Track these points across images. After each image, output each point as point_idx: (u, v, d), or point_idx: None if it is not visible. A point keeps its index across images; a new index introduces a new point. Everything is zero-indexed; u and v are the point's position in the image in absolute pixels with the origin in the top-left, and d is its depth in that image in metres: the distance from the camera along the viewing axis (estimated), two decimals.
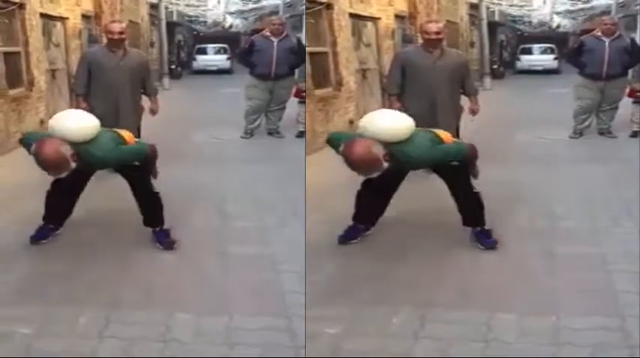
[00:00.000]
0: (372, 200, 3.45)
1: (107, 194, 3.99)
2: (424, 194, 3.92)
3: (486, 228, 3.37)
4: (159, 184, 3.61)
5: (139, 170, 3.29)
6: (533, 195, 3.63)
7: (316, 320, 2.58)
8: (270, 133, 6.72)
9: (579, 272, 3.04)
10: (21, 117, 6.61)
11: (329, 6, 6.73)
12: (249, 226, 3.75)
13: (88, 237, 3.57)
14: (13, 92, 6.50)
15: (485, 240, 3.34)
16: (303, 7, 6.17)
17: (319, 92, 6.51)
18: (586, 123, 6.41)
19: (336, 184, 4.60)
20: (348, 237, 3.47)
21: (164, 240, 3.37)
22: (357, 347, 2.45)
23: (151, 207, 3.39)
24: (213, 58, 18.14)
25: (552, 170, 5.04)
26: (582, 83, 6.29)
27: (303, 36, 6.52)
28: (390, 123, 3.04)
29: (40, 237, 3.45)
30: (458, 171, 3.23)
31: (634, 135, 6.29)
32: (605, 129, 6.41)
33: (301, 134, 6.52)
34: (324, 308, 2.70)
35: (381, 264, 3.20)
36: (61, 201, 3.46)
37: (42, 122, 7.15)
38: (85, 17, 9.17)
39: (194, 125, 7.02)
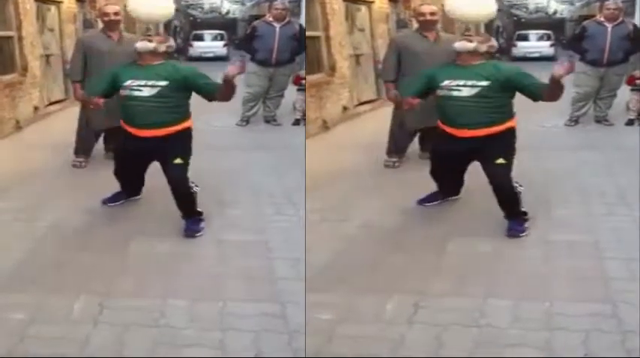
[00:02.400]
0: (449, 174, 3.71)
1: (103, 183, 3.98)
2: (421, 182, 3.92)
3: (524, 217, 3.41)
4: (152, 170, 3.61)
5: (181, 166, 3.38)
6: (527, 182, 3.64)
7: (309, 306, 2.59)
8: (267, 121, 6.67)
9: (572, 260, 3.05)
10: (14, 104, 6.55)
11: None
12: (245, 214, 3.75)
13: (83, 224, 3.57)
14: (5, 78, 6.45)
15: (511, 227, 3.35)
16: None
17: (312, 78, 6.40)
18: (583, 111, 6.38)
19: (329, 171, 4.61)
20: (427, 200, 3.80)
21: (187, 228, 3.40)
22: (351, 332, 2.46)
23: (185, 203, 3.44)
24: (209, 44, 18.00)
25: (547, 157, 5.04)
26: (582, 70, 6.18)
27: (302, 22, 6.44)
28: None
29: (112, 200, 3.81)
30: (504, 168, 3.33)
31: (630, 123, 6.27)
32: (601, 117, 6.39)
33: (297, 122, 6.49)
34: (318, 294, 2.71)
35: (377, 251, 3.21)
36: (129, 176, 3.73)
37: (36, 109, 7.11)
38: (80, 1, 9.08)
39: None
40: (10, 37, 6.79)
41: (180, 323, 2.51)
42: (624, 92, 6.48)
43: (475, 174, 3.55)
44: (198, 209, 3.47)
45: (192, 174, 3.45)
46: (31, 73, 7.09)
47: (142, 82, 3.33)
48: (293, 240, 3.22)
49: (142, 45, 3.37)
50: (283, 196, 4.01)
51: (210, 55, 17.12)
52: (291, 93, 6.71)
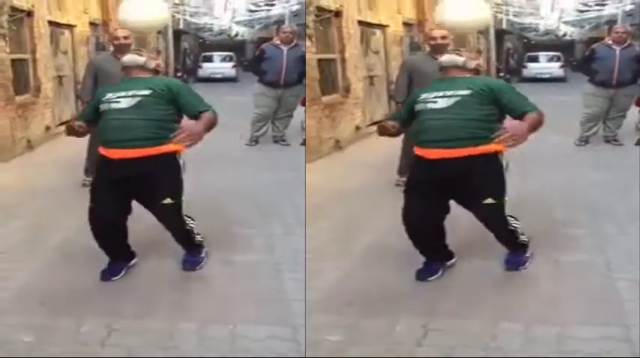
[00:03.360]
0: (425, 223, 2.99)
1: None
2: None
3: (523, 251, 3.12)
4: None
5: (173, 208, 2.96)
6: (537, 201, 3.62)
7: (318, 328, 2.57)
8: (275, 141, 6.76)
9: (583, 281, 3.01)
10: (27, 124, 6.64)
11: (338, 14, 6.82)
12: (254, 234, 3.75)
13: (92, 245, 3.57)
14: (19, 98, 6.55)
15: (509, 259, 3.10)
16: (311, 16, 6.18)
17: (326, 98, 6.56)
18: (593, 131, 6.44)
19: (341, 190, 4.61)
20: (427, 272, 3.06)
21: (186, 261, 3.19)
22: (360, 354, 2.44)
23: (182, 240, 3.17)
24: (218, 65, 18.22)
25: (557, 176, 5.02)
26: (591, 91, 6.34)
27: (305, 45, 6.55)
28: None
29: (111, 273, 3.09)
30: (494, 209, 2.86)
31: (639, 143, 6.28)
32: (611, 137, 6.45)
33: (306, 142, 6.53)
34: (326, 315, 2.69)
35: (386, 271, 3.19)
36: (107, 221, 3.03)
37: (48, 128, 7.20)
38: (93, 25, 9.24)
39: None
40: (24, 60, 6.91)
41: (189, 346, 2.49)
42: (633, 113, 6.51)
43: None
44: (198, 238, 3.20)
45: (201, 193, 3.36)
46: (43, 93, 7.20)
47: (122, 94, 2.92)
48: (304, 261, 3.20)
49: (130, 58, 3.07)
50: (293, 216, 4.01)
51: (219, 75, 17.33)
52: (299, 113, 6.76)
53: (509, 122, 2.72)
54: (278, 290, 2.97)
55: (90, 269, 3.20)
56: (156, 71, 3.11)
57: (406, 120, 3.06)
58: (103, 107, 2.95)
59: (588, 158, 5.88)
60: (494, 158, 2.83)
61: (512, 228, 2.99)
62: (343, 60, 6.98)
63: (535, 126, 2.73)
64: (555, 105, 10.72)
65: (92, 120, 3.03)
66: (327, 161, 6.00)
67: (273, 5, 19.42)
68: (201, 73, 17.76)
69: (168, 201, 2.90)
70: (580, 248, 3.42)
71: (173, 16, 14.79)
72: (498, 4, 15.01)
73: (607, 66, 6.17)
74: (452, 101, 2.80)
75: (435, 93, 2.87)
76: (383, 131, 3.08)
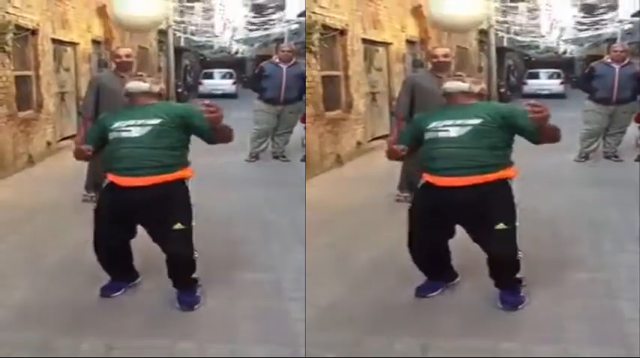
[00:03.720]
0: (431, 246, 3.00)
1: None
2: None
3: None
4: None
5: (184, 234, 2.85)
6: (537, 219, 3.61)
7: (318, 346, 2.55)
8: (275, 157, 6.80)
9: (585, 299, 3.00)
10: (29, 139, 6.67)
11: (343, 32, 6.96)
12: (254, 251, 3.73)
13: (92, 261, 3.56)
14: (22, 114, 6.59)
15: (507, 298, 2.90)
16: (317, 34, 6.27)
17: (329, 114, 6.66)
18: (592, 147, 6.49)
19: (343, 206, 4.61)
20: (427, 289, 3.05)
21: (184, 300, 2.95)
22: None
23: (185, 273, 2.95)
24: (219, 82, 18.40)
25: (557, 193, 5.02)
26: (591, 108, 6.41)
27: (305, 63, 6.63)
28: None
29: (111, 289, 3.06)
30: (506, 235, 2.78)
31: (639, 159, 6.30)
32: (611, 153, 6.51)
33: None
34: (325, 333, 2.67)
35: (385, 288, 3.18)
36: (113, 247, 3.01)
37: (49, 144, 7.22)
38: (96, 42, 9.31)
39: (198, 147, 7.11)
40: (28, 76, 6.97)
41: None
42: (633, 129, 6.55)
43: None
44: (195, 275, 2.99)
45: (201, 209, 3.28)
46: (45, 109, 7.24)
47: (131, 122, 2.87)
48: (304, 278, 3.18)
49: (134, 85, 2.99)
50: (295, 233, 4.00)
51: (220, 92, 17.43)
52: (299, 130, 6.79)
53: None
54: (278, 309, 2.95)
55: (90, 287, 3.18)
56: (159, 94, 3.06)
57: (411, 145, 3.00)
58: (112, 135, 2.91)
59: (588, 174, 5.89)
60: (504, 184, 2.83)
61: (519, 257, 2.88)
62: (347, 77, 7.11)
63: (553, 135, 2.79)
64: (555, 121, 10.83)
65: (97, 145, 3.00)
66: (328, 176, 6.01)
67: (272, 24, 19.60)
68: (201, 89, 17.89)
69: (179, 226, 2.84)
70: (580, 266, 3.41)
71: (174, 34, 14.92)
72: (500, 23, 15.15)
73: (607, 83, 6.25)
74: (464, 130, 2.80)
75: (446, 122, 2.85)
76: (392, 155, 3.05)
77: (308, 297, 2.95)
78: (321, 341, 2.58)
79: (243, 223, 4.25)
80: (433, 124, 2.89)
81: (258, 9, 20.27)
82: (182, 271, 2.95)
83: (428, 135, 2.90)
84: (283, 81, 6.54)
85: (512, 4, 16.77)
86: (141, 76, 3.08)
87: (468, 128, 2.80)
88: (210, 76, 18.69)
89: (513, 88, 17.19)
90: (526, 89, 17.67)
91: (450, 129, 2.82)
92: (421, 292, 3.04)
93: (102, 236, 2.97)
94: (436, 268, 3.08)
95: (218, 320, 2.85)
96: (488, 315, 2.87)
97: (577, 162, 6.39)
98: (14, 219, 4.31)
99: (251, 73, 15.44)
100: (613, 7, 18.59)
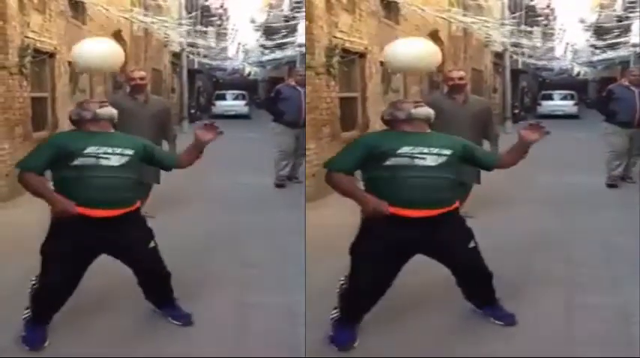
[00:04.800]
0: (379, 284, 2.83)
1: None
2: None
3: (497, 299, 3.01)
4: (178, 228, 3.56)
5: (156, 250, 2.98)
6: (552, 241, 3.55)
7: None
8: (289, 178, 6.77)
9: (598, 322, 2.91)
10: None
11: (362, 55, 7.14)
12: (267, 274, 3.68)
13: (98, 284, 3.50)
14: (37, 135, 6.65)
15: (502, 313, 2.98)
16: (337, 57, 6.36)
17: (346, 135, 6.70)
18: (619, 170, 6.42)
19: (354, 226, 4.53)
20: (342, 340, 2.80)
21: (178, 316, 3.04)
22: None
23: (163, 286, 3.05)
24: (231, 103, 18.57)
25: (572, 214, 4.95)
26: (612, 130, 6.38)
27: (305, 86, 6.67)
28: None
29: (34, 339, 2.84)
30: (477, 252, 2.89)
31: None
32: (625, 175, 6.46)
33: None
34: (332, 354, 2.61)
35: (391, 309, 3.05)
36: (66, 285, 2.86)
37: None
38: None
39: (214, 169, 7.14)
40: (44, 98, 7.07)
41: None
42: None
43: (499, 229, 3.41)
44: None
45: (216, 231, 3.26)
46: (60, 130, 7.30)
47: (109, 150, 2.76)
48: (317, 302, 3.13)
49: (106, 111, 2.89)
50: (308, 255, 3.94)
51: (232, 113, 17.61)
52: None
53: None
54: (293, 332, 2.88)
55: (95, 309, 3.13)
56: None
57: (353, 171, 2.82)
58: (85, 161, 2.72)
59: (603, 196, 5.80)
60: (456, 211, 2.89)
61: (489, 271, 2.94)
62: (364, 98, 7.27)
63: (519, 159, 2.92)
64: (569, 141, 10.75)
65: (47, 168, 2.81)
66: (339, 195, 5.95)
67: (285, 47, 19.87)
68: (214, 110, 18.06)
69: (152, 244, 2.95)
70: (594, 289, 3.32)
71: (188, 57, 15.16)
72: (515, 45, 15.33)
73: (628, 107, 6.25)
74: (440, 160, 2.72)
75: (420, 148, 2.70)
76: (376, 214, 2.75)
77: (313, 321, 2.84)
78: None
79: (253, 245, 4.15)
80: (405, 149, 2.70)
81: (270, 32, 20.56)
82: (164, 285, 3.03)
83: (398, 161, 2.70)
84: (303, 103, 6.54)
85: (528, 28, 16.99)
86: (103, 102, 2.97)
87: (444, 158, 2.72)
88: (222, 98, 18.86)
89: (527, 108, 17.25)
90: (540, 110, 17.77)
91: (427, 157, 2.69)
92: (342, 343, 2.75)
93: (57, 280, 2.78)
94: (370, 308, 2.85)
95: (227, 345, 2.80)
96: (498, 337, 2.78)
97: (609, 188, 6.19)
98: (26, 238, 4.28)
99: (263, 94, 15.57)
100: (626, 31, 18.67)
